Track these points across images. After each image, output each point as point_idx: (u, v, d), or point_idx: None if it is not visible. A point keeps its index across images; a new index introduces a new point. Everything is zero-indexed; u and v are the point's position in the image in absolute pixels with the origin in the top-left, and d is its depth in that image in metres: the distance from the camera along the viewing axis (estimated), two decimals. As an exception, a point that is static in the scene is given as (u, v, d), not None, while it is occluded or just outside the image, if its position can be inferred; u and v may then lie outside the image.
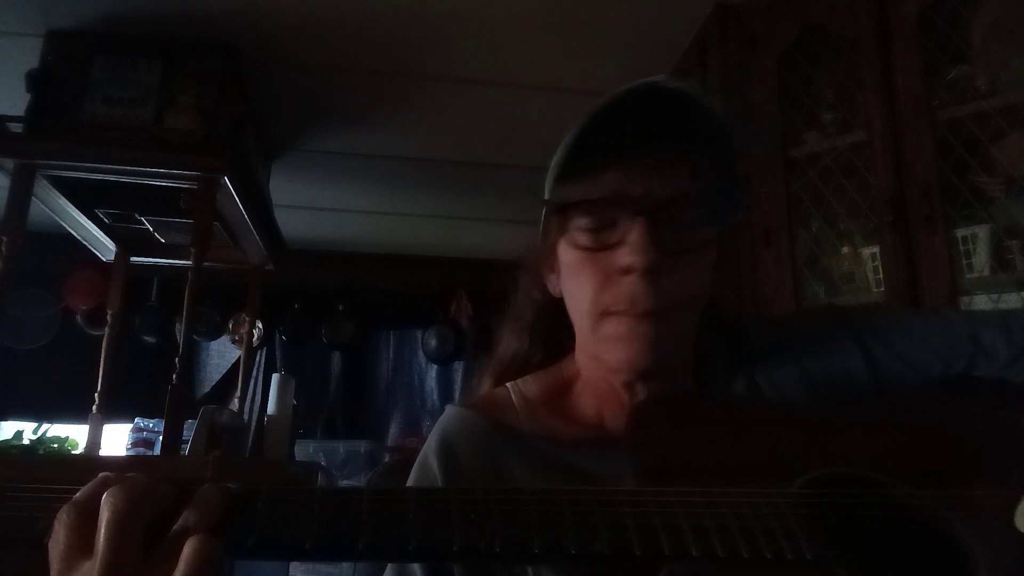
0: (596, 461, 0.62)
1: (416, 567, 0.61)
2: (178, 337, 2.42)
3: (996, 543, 0.49)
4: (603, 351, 0.62)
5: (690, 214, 0.58)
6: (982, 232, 1.44)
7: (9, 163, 1.98)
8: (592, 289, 0.61)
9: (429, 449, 0.66)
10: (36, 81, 2.00)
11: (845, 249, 1.67)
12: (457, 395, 4.20)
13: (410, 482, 0.66)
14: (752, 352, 0.69)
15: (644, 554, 0.45)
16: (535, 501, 0.46)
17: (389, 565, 0.63)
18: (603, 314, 0.61)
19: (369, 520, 0.45)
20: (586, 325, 0.63)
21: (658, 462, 0.54)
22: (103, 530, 0.41)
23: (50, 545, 0.42)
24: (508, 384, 0.72)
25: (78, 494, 0.44)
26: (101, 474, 0.44)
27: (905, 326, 0.70)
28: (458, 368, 4.30)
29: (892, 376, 0.66)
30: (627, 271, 0.58)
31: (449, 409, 0.70)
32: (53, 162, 2.02)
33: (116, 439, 3.33)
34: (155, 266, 2.92)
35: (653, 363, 0.60)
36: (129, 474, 0.44)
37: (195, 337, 3.65)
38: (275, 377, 2.61)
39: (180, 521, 0.43)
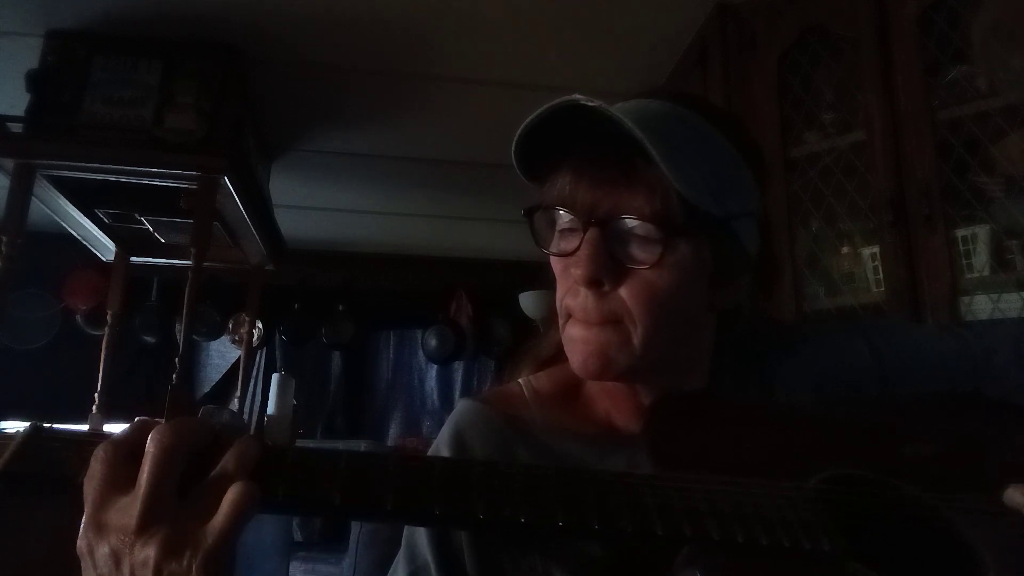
0: (604, 457, 0.63)
1: (429, 561, 0.62)
2: (178, 337, 2.42)
3: (1006, 546, 0.50)
4: (568, 352, 0.63)
5: (644, 228, 0.57)
6: (982, 232, 1.44)
7: (9, 163, 1.98)
8: (560, 292, 0.63)
9: (442, 441, 0.67)
10: (36, 81, 2.00)
11: (845, 249, 1.67)
12: (457, 395, 4.20)
13: None
14: (765, 354, 0.70)
15: (666, 534, 0.45)
16: (558, 478, 0.47)
17: (401, 559, 0.64)
18: (566, 317, 0.62)
19: (394, 483, 0.45)
20: (560, 325, 0.64)
21: (674, 455, 0.55)
22: (148, 464, 0.42)
23: (85, 481, 0.43)
24: (521, 379, 0.73)
25: (117, 433, 0.45)
26: (139, 418, 0.46)
27: (919, 342, 0.70)
28: (458, 368, 4.31)
29: (900, 388, 0.67)
30: (578, 280, 0.59)
31: (462, 402, 0.71)
32: (53, 162, 2.02)
33: (116, 439, 3.33)
34: (155, 266, 2.93)
35: (605, 370, 0.60)
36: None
37: (195, 337, 3.66)
38: (275, 377, 2.62)
39: (219, 466, 0.44)
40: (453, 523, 0.56)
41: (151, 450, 0.42)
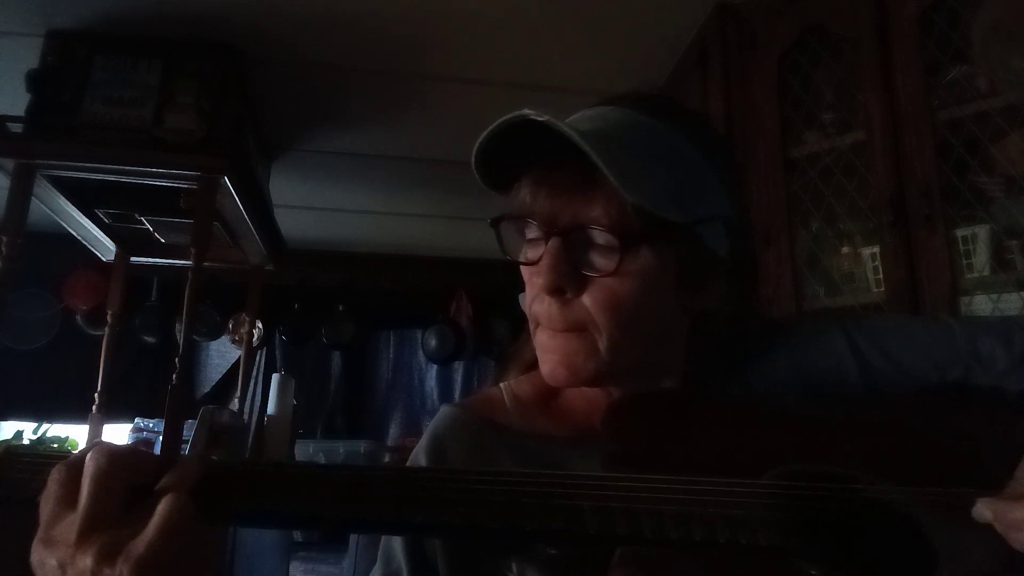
0: (583, 458, 0.63)
1: (403, 566, 0.62)
2: (178, 337, 2.42)
3: (961, 539, 0.49)
4: (539, 359, 0.64)
5: (604, 237, 0.58)
6: (982, 232, 1.44)
7: (9, 163, 1.98)
8: (528, 300, 0.64)
9: (420, 449, 0.68)
10: (36, 81, 2.00)
11: (845, 249, 1.67)
12: (457, 395, 4.20)
13: None
14: (746, 353, 0.69)
15: (598, 534, 0.46)
16: (500, 483, 0.48)
17: (378, 564, 0.65)
18: (535, 324, 0.64)
19: (336, 493, 0.48)
20: (531, 331, 0.65)
21: (629, 454, 0.55)
22: (85, 484, 0.45)
23: (41, 500, 0.46)
24: (501, 384, 0.74)
25: (72, 456, 0.48)
26: (96, 441, 0.47)
27: (901, 331, 0.70)
28: (458, 368, 4.31)
29: (884, 380, 0.67)
30: (541, 289, 0.60)
31: (442, 409, 0.72)
32: (53, 162, 2.02)
33: (116, 439, 3.33)
34: (155, 266, 2.93)
35: (572, 377, 0.61)
36: (124, 444, 0.47)
37: (195, 337, 3.65)
38: (275, 377, 2.62)
39: (160, 484, 0.46)
40: (390, 529, 0.58)
41: (87, 469, 0.45)
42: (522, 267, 0.64)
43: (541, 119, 0.55)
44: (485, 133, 0.58)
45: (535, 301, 0.62)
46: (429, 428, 0.70)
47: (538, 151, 0.59)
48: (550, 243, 0.59)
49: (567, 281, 0.59)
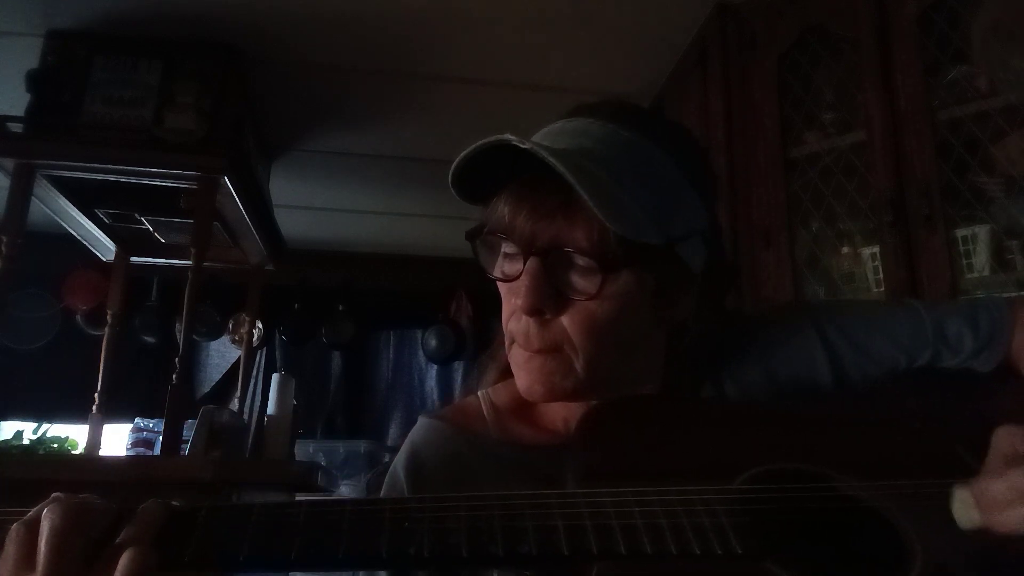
0: (561, 466, 0.63)
1: None
2: (178, 337, 2.42)
3: (937, 532, 0.49)
4: (515, 375, 0.64)
5: (585, 261, 0.57)
6: (982, 232, 1.44)
7: (9, 163, 1.98)
8: (504, 316, 0.64)
9: (398, 462, 0.68)
10: (36, 81, 2.00)
11: (845, 249, 1.67)
12: (457, 395, 4.20)
13: (382, 494, 0.67)
14: (721, 357, 0.69)
15: (572, 554, 0.45)
16: (467, 508, 0.47)
17: None
18: (510, 341, 0.63)
19: (302, 531, 0.46)
20: (506, 345, 0.65)
21: (602, 463, 0.55)
22: (42, 544, 0.44)
23: (0, 561, 0.45)
24: (479, 392, 0.74)
25: (29, 513, 0.46)
26: (53, 494, 0.47)
27: (870, 320, 0.70)
28: (458, 368, 4.30)
29: (855, 370, 0.67)
30: (520, 309, 0.59)
31: (420, 420, 0.71)
32: (53, 162, 2.02)
33: (116, 439, 3.33)
34: (155, 266, 2.93)
35: (549, 394, 0.61)
36: (81, 495, 0.46)
37: (195, 337, 3.64)
38: (275, 377, 2.61)
39: (120, 536, 0.45)
40: (359, 566, 0.57)
41: (44, 531, 0.44)
42: (498, 282, 0.63)
43: (524, 146, 0.54)
44: (464, 154, 0.57)
45: (512, 319, 0.62)
46: (407, 441, 0.69)
47: (517, 163, 0.58)
48: (529, 264, 0.58)
49: (547, 303, 0.58)
